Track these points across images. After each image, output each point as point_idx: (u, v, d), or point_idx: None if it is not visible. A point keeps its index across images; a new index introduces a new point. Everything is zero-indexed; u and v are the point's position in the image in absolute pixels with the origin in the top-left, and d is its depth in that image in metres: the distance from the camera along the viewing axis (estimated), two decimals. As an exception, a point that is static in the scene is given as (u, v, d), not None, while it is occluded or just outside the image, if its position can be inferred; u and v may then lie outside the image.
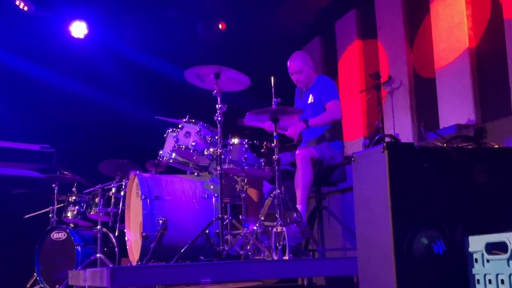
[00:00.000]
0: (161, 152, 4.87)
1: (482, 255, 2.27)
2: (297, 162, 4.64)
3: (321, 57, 8.52)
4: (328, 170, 4.82)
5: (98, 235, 5.77)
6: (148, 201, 4.58)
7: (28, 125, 7.52)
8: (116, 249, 6.03)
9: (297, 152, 4.68)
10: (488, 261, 2.25)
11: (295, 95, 5.35)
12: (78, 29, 7.87)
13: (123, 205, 5.49)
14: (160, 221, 4.51)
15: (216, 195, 4.63)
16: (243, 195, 4.74)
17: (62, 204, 6.50)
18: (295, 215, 4.39)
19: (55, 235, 6.15)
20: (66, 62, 7.96)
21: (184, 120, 4.78)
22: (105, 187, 6.05)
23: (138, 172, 4.89)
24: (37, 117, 7.71)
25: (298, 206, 4.51)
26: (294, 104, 5.30)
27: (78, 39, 7.92)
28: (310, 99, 5.04)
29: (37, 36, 7.71)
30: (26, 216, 6.72)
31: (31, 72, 7.80)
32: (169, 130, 4.87)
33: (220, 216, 4.30)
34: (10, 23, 7.59)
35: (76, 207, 6.40)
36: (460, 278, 2.35)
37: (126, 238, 5.02)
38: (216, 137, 4.48)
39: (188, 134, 4.69)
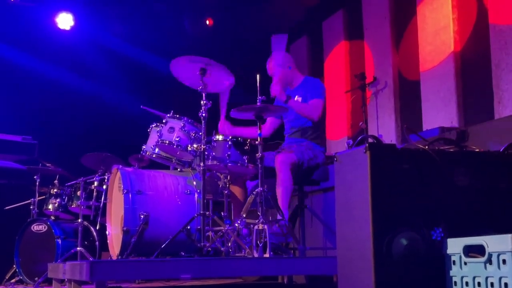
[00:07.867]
0: (144, 146, 4.85)
1: (460, 257, 2.29)
2: (276, 167, 4.59)
3: (308, 56, 8.53)
4: (309, 170, 4.80)
5: (79, 228, 5.75)
6: (130, 195, 4.57)
7: (10, 116, 7.44)
8: (97, 242, 6.01)
9: (276, 157, 4.63)
10: (465, 263, 2.27)
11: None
12: (65, 20, 7.82)
13: (105, 198, 5.47)
14: (142, 216, 4.51)
15: (198, 191, 4.63)
16: (226, 191, 4.74)
17: (44, 196, 6.46)
18: (278, 215, 4.39)
19: (36, 227, 6.12)
20: (51, 53, 7.90)
21: (168, 115, 4.77)
22: (87, 180, 6.02)
23: (120, 166, 4.88)
24: (20, 108, 7.63)
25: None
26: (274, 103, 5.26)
27: (64, 31, 7.87)
28: (296, 99, 5.01)
29: (22, 26, 7.64)
30: (7, 208, 6.66)
31: (14, 62, 7.72)
32: (153, 125, 4.85)
33: (202, 212, 4.29)
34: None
35: (58, 200, 6.36)
36: (438, 279, 2.37)
37: (107, 232, 5.01)
38: (200, 133, 4.47)
39: (172, 129, 4.68)
